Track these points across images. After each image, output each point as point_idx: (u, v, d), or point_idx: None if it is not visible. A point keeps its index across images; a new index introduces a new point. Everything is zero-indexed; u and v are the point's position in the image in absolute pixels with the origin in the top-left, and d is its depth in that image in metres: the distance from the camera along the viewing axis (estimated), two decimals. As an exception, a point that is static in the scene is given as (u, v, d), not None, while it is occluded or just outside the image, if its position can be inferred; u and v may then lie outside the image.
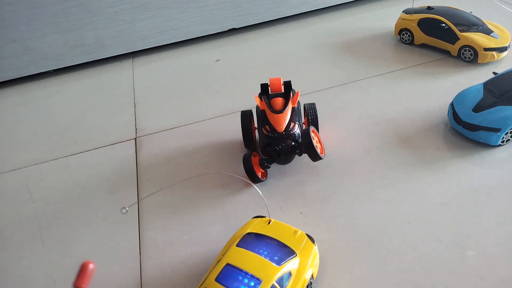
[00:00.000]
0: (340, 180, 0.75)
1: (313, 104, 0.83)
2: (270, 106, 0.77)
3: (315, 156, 0.74)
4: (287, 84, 0.81)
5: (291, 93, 0.80)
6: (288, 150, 0.74)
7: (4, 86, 1.16)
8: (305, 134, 0.73)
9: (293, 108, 0.77)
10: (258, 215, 0.65)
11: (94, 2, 1.09)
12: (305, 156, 0.81)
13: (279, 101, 0.78)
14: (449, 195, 0.71)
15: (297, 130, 0.75)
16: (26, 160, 0.89)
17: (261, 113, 0.78)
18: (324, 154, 0.79)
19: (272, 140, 0.74)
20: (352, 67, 1.07)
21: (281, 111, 0.76)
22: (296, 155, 0.76)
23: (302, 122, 0.82)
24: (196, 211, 0.73)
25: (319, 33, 1.24)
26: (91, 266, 0.36)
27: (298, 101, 0.81)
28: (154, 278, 0.63)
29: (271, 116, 0.76)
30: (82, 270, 0.36)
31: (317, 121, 0.81)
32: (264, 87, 0.82)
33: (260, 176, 0.75)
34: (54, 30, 1.10)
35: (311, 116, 0.81)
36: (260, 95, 0.81)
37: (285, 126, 0.74)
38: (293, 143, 0.74)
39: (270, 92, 0.82)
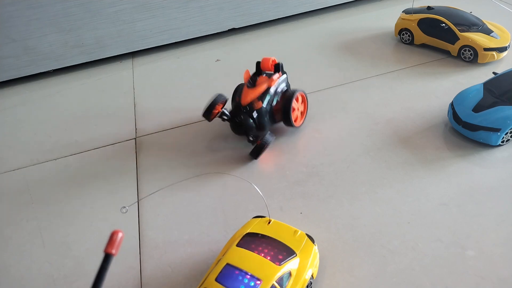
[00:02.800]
0: (340, 180, 0.76)
1: (296, 91, 0.83)
2: (250, 82, 0.84)
3: (288, 122, 0.83)
4: (277, 66, 0.85)
5: (279, 74, 0.85)
6: (243, 123, 0.80)
7: (4, 86, 1.16)
8: (289, 97, 0.82)
9: (268, 88, 0.82)
10: (258, 215, 0.65)
11: (94, 2, 1.09)
12: (304, 156, 0.81)
13: (262, 79, 0.84)
14: (449, 195, 0.71)
15: (261, 108, 0.80)
16: (26, 160, 0.89)
17: (240, 86, 0.87)
18: (299, 125, 0.86)
19: (236, 110, 0.81)
20: (352, 67, 1.07)
21: (253, 86, 0.82)
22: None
23: (273, 104, 0.84)
24: (196, 211, 0.73)
25: (319, 33, 1.24)
26: (120, 234, 0.40)
27: (288, 85, 0.87)
28: (154, 278, 0.63)
29: (244, 89, 0.83)
30: (112, 237, 0.40)
31: (288, 108, 0.82)
32: (258, 65, 0.87)
33: (211, 116, 0.83)
34: (54, 30, 1.10)
35: (283, 101, 0.83)
36: (254, 73, 0.87)
37: (249, 101, 0.80)
38: (250, 120, 0.80)
39: (262, 70, 0.87)
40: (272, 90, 0.82)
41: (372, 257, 0.62)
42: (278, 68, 0.85)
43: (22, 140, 0.95)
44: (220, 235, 0.67)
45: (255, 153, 0.80)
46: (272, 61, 0.85)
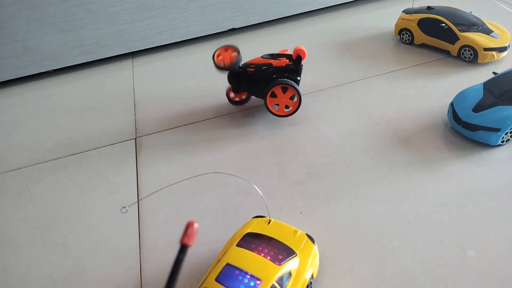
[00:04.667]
0: (340, 180, 0.76)
1: (288, 82, 0.84)
2: (272, 55, 0.89)
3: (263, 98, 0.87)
4: (298, 57, 0.86)
5: (289, 62, 0.87)
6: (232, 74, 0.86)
7: (4, 86, 1.16)
8: (275, 82, 0.84)
9: (270, 64, 0.86)
10: (258, 215, 0.65)
11: (94, 2, 1.09)
12: (304, 156, 0.81)
13: (280, 58, 0.87)
14: (449, 195, 0.71)
15: (265, 67, 0.85)
16: (26, 160, 0.89)
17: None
18: (285, 115, 0.88)
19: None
20: (352, 67, 1.07)
21: (271, 58, 0.88)
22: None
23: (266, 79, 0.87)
24: (196, 211, 0.73)
25: (319, 33, 1.24)
26: (196, 225, 0.41)
27: (294, 77, 0.88)
28: (154, 278, 0.63)
29: (258, 58, 0.89)
30: (188, 228, 0.41)
31: (268, 89, 0.85)
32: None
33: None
34: (54, 30, 1.10)
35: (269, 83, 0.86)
36: (279, 54, 0.91)
37: (250, 63, 0.86)
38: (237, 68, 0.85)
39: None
40: (271, 67, 0.85)
41: (372, 257, 0.62)
42: (298, 59, 0.86)
43: (22, 140, 0.95)
44: (220, 235, 0.67)
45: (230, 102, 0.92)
46: (300, 51, 0.86)
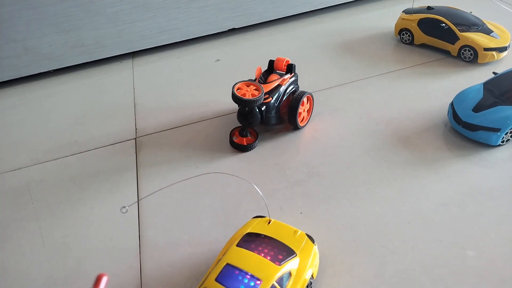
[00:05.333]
0: (340, 180, 0.76)
1: (304, 93, 0.84)
2: (261, 78, 0.86)
3: (293, 123, 0.84)
4: (289, 66, 0.86)
5: (291, 75, 0.86)
6: (252, 113, 0.80)
7: (4, 86, 1.16)
8: (296, 99, 0.83)
9: (278, 85, 0.83)
10: (258, 215, 0.65)
11: (94, 2, 1.09)
12: (304, 156, 0.81)
13: (273, 77, 0.85)
14: (449, 195, 0.71)
15: (269, 103, 0.81)
16: (26, 160, 0.89)
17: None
18: (304, 125, 0.87)
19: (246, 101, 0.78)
20: (352, 67, 1.07)
21: (265, 83, 0.84)
22: (271, 121, 0.84)
23: (282, 101, 0.84)
24: (196, 211, 0.73)
25: (319, 33, 1.24)
26: (105, 278, 0.40)
27: (297, 86, 0.88)
28: (154, 278, 0.63)
29: None
30: (97, 281, 0.40)
31: (295, 110, 0.83)
32: (271, 63, 0.88)
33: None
34: (54, 30, 1.10)
35: (293, 100, 0.84)
36: (266, 71, 0.88)
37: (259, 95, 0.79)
38: (256, 109, 0.80)
39: (274, 69, 0.88)
40: (282, 88, 0.83)
41: (372, 257, 0.62)
42: (290, 68, 0.86)
43: (22, 140, 0.95)
44: (220, 235, 0.67)
45: (235, 146, 0.84)
46: (286, 61, 0.86)
